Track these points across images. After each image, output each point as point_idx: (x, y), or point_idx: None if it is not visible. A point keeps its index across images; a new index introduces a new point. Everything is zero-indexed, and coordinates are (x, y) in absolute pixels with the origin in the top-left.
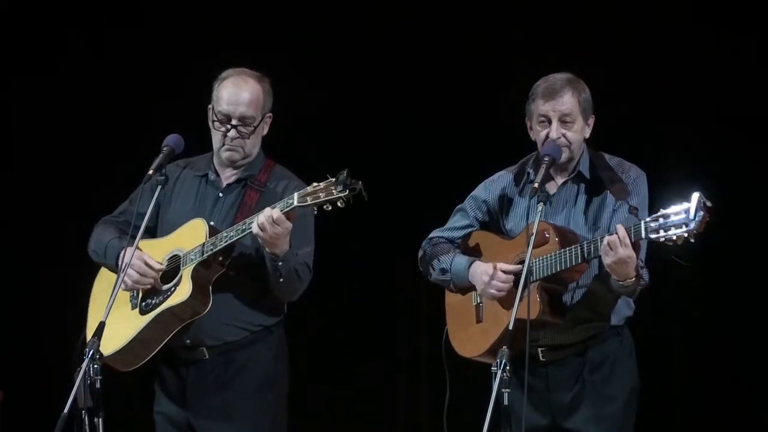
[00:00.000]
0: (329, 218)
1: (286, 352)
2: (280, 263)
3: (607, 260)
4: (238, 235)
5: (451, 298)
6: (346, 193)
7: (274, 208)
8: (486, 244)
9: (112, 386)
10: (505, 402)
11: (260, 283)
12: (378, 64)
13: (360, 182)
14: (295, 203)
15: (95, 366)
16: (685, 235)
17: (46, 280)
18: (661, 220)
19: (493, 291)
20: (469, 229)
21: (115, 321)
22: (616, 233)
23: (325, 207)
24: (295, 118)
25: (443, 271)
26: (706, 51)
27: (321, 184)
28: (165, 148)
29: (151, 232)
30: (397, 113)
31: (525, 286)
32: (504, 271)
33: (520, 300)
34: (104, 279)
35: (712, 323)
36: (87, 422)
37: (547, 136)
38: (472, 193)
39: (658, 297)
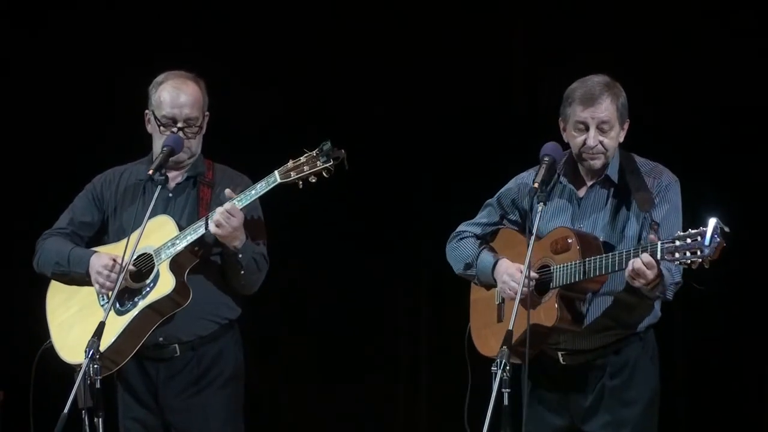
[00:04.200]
0: (331, 220)
1: (242, 347)
2: (240, 255)
3: (635, 284)
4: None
5: (476, 295)
6: (331, 162)
7: (229, 202)
8: (511, 243)
9: (112, 386)
10: (505, 402)
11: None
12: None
13: (343, 151)
14: (278, 180)
15: (95, 366)
16: (699, 260)
17: (46, 279)
18: (677, 242)
19: (509, 291)
20: (496, 226)
21: (90, 330)
22: (641, 260)
23: (310, 179)
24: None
25: (468, 266)
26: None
27: (302, 158)
28: (165, 149)
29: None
30: (398, 117)
31: (529, 290)
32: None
33: (520, 302)
34: (57, 293)
35: (713, 323)
36: (87, 422)
37: (584, 143)
38: (502, 190)
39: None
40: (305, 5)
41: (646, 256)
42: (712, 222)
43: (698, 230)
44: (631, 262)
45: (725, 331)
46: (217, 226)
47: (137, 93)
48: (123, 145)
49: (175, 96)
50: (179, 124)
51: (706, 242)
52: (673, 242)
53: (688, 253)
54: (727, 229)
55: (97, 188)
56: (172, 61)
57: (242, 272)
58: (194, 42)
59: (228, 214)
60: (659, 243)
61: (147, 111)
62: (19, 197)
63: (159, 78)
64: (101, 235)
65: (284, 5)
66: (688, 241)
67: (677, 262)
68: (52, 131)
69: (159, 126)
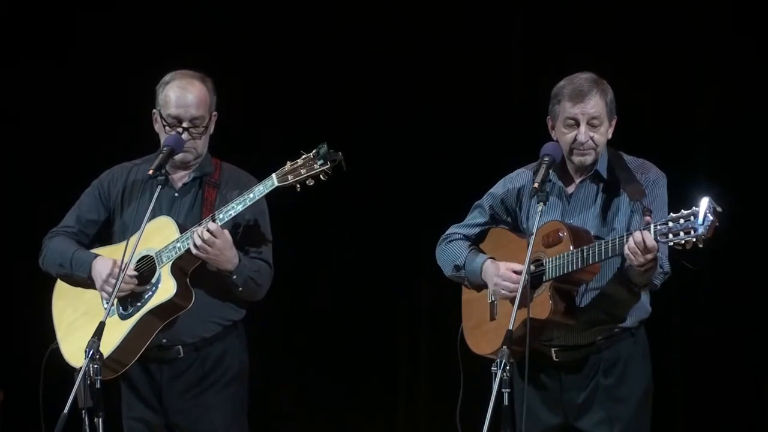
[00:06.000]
0: (333, 222)
1: (247, 346)
2: (234, 277)
3: (634, 262)
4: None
5: (467, 295)
6: (328, 165)
7: (211, 221)
8: (502, 242)
9: (112, 386)
10: (505, 402)
11: None
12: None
13: (340, 153)
14: (276, 183)
15: (95, 366)
16: (694, 240)
17: (47, 279)
18: (670, 223)
19: (503, 291)
20: (486, 227)
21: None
22: (643, 239)
23: (308, 182)
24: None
25: (457, 267)
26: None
27: (299, 160)
28: (165, 148)
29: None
30: (398, 117)
31: (526, 287)
32: (514, 271)
33: (522, 299)
34: (64, 294)
35: (713, 322)
36: (87, 422)
37: (574, 139)
38: (491, 190)
39: (659, 295)
40: (305, 4)
41: (648, 239)
42: (705, 201)
43: (691, 210)
44: (630, 239)
45: (723, 328)
46: (200, 250)
47: (146, 92)
48: (131, 144)
49: (181, 95)
50: (185, 124)
51: (699, 221)
52: (666, 223)
53: (681, 234)
54: (719, 209)
55: (104, 185)
56: (180, 62)
57: (240, 289)
58: (201, 42)
59: (210, 235)
60: (652, 225)
61: (154, 110)
62: (23, 195)
63: (166, 77)
64: (108, 229)
65: (284, 4)
66: (681, 221)
67: (671, 243)
68: (58, 130)
69: (165, 126)
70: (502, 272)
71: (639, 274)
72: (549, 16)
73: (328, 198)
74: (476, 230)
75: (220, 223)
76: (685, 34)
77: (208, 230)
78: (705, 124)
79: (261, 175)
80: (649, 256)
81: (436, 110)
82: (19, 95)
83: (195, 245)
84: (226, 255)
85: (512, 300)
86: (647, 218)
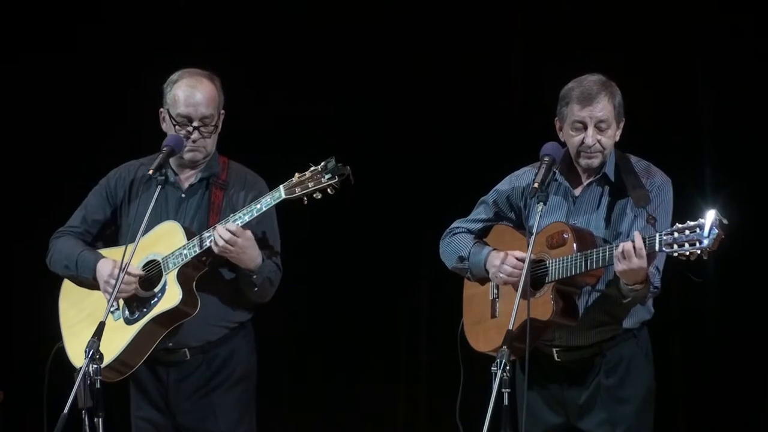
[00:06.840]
0: (333, 222)
1: (255, 346)
2: (254, 276)
3: (618, 267)
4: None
5: (470, 291)
6: (336, 180)
7: (228, 221)
8: (506, 239)
9: (112, 386)
10: (505, 402)
11: (236, 280)
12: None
13: (348, 167)
14: (283, 195)
15: (95, 366)
16: (698, 252)
17: (46, 279)
18: (675, 234)
19: (503, 276)
20: (490, 223)
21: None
22: (633, 243)
23: (315, 195)
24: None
25: (461, 259)
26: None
27: (306, 173)
28: (165, 148)
29: (108, 238)
30: (399, 117)
31: (525, 287)
32: (518, 258)
33: (522, 298)
34: (70, 294)
35: (716, 323)
36: (87, 422)
37: (582, 142)
38: (497, 187)
39: (661, 296)
40: (306, 5)
41: (638, 240)
42: (711, 214)
43: (697, 222)
44: (621, 245)
45: (726, 329)
46: (222, 250)
47: (148, 91)
48: (135, 144)
49: (190, 94)
50: (195, 123)
51: (705, 233)
52: (672, 234)
53: (686, 245)
54: (725, 221)
55: (111, 184)
56: (181, 62)
57: (255, 289)
58: (204, 43)
59: (231, 235)
60: (657, 235)
61: (162, 109)
62: (23, 195)
63: (174, 76)
64: (114, 228)
65: (285, 4)
66: (687, 233)
67: (675, 254)
68: (60, 130)
69: (174, 125)
70: (504, 257)
71: (630, 290)
72: (549, 16)
73: (329, 198)
74: (480, 225)
75: None
76: (685, 34)
77: (228, 230)
78: (705, 124)
79: (266, 176)
80: (635, 263)
81: (436, 111)
82: (19, 95)
83: (216, 244)
84: (249, 254)
85: (514, 285)
86: (651, 231)
